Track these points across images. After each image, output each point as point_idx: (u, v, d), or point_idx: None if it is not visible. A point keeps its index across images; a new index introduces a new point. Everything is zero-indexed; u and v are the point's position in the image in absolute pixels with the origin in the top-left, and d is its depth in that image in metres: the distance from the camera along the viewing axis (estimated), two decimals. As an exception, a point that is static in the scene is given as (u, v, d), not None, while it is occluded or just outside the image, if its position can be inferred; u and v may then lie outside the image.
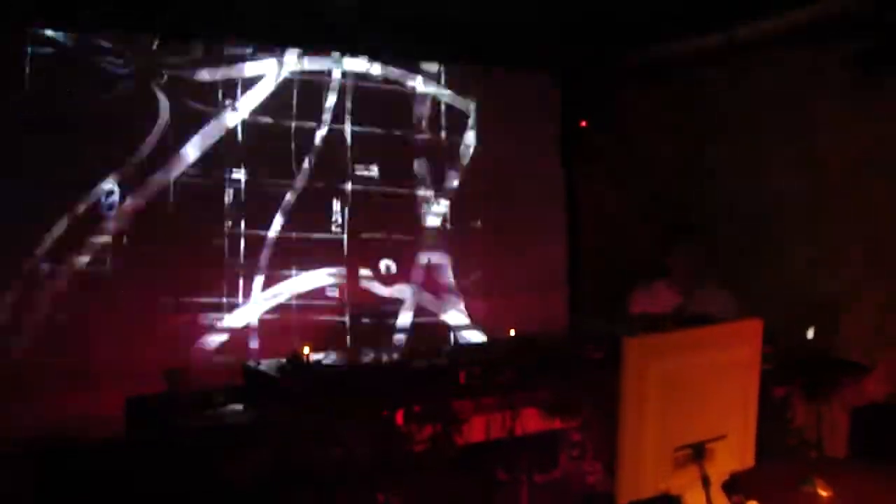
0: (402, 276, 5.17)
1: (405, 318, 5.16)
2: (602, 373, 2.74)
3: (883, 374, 3.91)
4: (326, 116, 4.97)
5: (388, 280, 5.12)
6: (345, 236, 5.01)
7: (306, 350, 2.71)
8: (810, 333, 3.39)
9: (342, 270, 4.98)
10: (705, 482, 2.00)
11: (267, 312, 4.72)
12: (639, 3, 4.37)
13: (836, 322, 3.61)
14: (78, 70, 4.28)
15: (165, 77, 4.51)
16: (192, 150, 4.58)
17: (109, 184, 4.37)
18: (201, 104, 4.62)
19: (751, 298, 4.34)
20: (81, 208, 4.31)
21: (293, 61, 4.87)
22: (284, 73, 4.85)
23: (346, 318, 4.96)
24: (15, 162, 4.10)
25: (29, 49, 4.17)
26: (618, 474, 1.95)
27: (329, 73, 4.98)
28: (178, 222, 4.53)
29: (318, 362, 2.66)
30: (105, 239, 4.35)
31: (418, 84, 5.26)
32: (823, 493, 2.45)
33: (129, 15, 4.18)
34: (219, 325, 4.59)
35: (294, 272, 4.83)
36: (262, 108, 4.78)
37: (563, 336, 3.53)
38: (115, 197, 4.40)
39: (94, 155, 4.33)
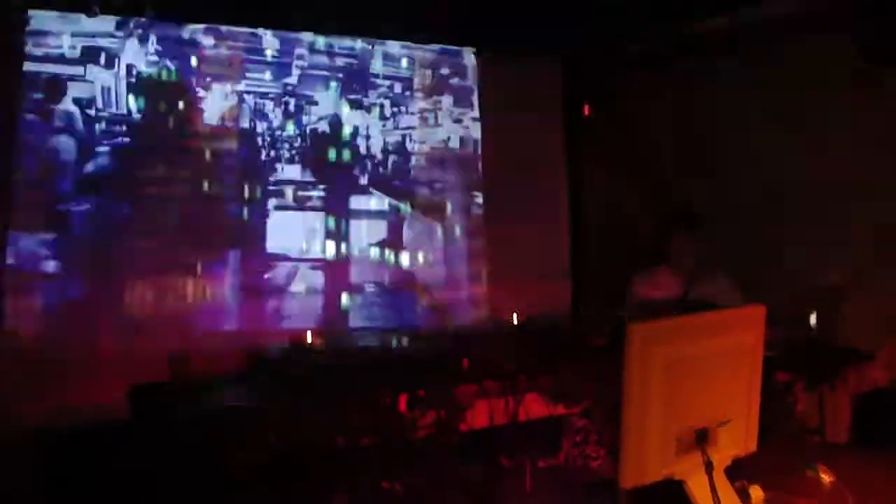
0: (405, 263, 5.18)
1: (408, 305, 5.17)
2: (605, 359, 2.75)
3: (886, 360, 3.91)
4: (328, 104, 4.96)
5: (392, 268, 5.12)
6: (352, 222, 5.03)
7: (309, 336, 2.72)
8: (813, 320, 3.39)
9: (346, 258, 4.98)
10: (708, 467, 2.00)
11: (274, 299, 4.71)
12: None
13: (838, 309, 3.61)
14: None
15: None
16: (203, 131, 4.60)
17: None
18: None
19: (754, 286, 4.34)
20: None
21: (303, 46, 4.87)
22: (292, 61, 4.85)
23: (351, 306, 4.97)
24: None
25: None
26: (621, 459, 1.95)
27: (331, 58, 4.97)
28: (184, 211, 4.54)
29: (321, 348, 2.66)
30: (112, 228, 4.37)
31: (420, 71, 5.24)
32: (826, 479, 2.46)
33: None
34: (225, 312, 4.60)
35: (298, 260, 4.83)
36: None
37: (567, 322, 3.53)
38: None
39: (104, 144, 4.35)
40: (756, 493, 2.29)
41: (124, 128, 4.41)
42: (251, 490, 2.28)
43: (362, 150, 5.08)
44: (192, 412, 2.36)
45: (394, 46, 5.13)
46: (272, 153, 4.83)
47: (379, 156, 5.12)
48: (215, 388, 2.55)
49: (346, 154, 5.04)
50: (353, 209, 5.07)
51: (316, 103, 4.95)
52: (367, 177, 5.10)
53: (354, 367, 2.58)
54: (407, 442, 2.50)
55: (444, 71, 5.32)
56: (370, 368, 2.59)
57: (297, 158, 4.90)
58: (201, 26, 4.58)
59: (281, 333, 4.09)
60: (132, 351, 4.08)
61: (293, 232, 4.87)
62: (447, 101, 5.32)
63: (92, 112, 4.34)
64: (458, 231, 5.35)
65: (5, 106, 4.08)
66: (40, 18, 4.23)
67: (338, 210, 5.01)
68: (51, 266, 4.24)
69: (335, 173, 5.01)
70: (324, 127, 4.97)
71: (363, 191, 5.11)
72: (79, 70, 4.32)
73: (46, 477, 3.75)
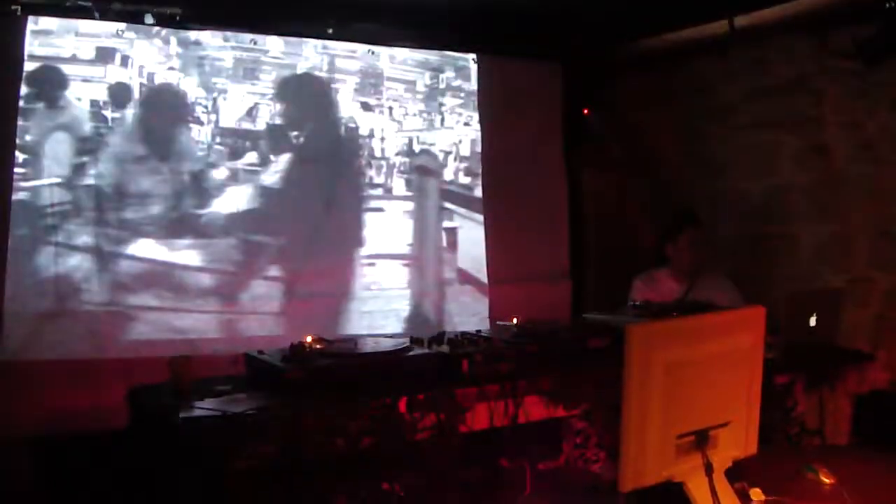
0: (406, 264, 5.18)
1: (408, 307, 5.17)
2: (605, 361, 2.75)
3: (885, 361, 3.91)
4: (335, 108, 4.96)
5: (392, 269, 5.13)
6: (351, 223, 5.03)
7: (309, 339, 2.71)
8: (813, 321, 3.39)
9: (345, 258, 4.98)
10: (708, 469, 2.00)
11: (272, 302, 4.71)
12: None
13: (838, 310, 3.61)
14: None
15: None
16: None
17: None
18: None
19: (754, 287, 4.35)
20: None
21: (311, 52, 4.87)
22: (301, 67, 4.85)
23: (350, 308, 4.96)
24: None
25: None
26: (621, 462, 1.95)
27: (333, 63, 4.98)
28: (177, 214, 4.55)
29: (321, 351, 2.65)
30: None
31: (420, 73, 5.24)
32: (826, 481, 2.46)
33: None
34: (223, 315, 4.59)
35: (295, 261, 4.82)
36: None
37: (567, 324, 3.53)
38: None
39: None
40: (756, 495, 2.30)
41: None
42: (250, 493, 2.27)
43: (376, 152, 5.09)
44: (191, 414, 2.35)
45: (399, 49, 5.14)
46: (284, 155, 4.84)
47: (391, 158, 5.12)
48: (214, 391, 2.54)
49: (360, 155, 5.05)
50: (361, 210, 5.09)
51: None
52: (378, 178, 5.10)
53: (354, 370, 2.57)
54: (407, 444, 2.50)
55: (448, 74, 5.33)
56: (370, 370, 2.59)
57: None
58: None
59: (282, 338, 4.09)
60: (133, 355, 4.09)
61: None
62: (451, 103, 5.32)
63: (98, 112, 4.34)
64: (458, 232, 5.36)
65: (6, 105, 4.06)
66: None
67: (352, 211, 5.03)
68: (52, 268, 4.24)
69: (349, 174, 5.02)
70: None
71: (376, 192, 5.13)
72: (86, 70, 4.31)
73: (45, 480, 3.76)
